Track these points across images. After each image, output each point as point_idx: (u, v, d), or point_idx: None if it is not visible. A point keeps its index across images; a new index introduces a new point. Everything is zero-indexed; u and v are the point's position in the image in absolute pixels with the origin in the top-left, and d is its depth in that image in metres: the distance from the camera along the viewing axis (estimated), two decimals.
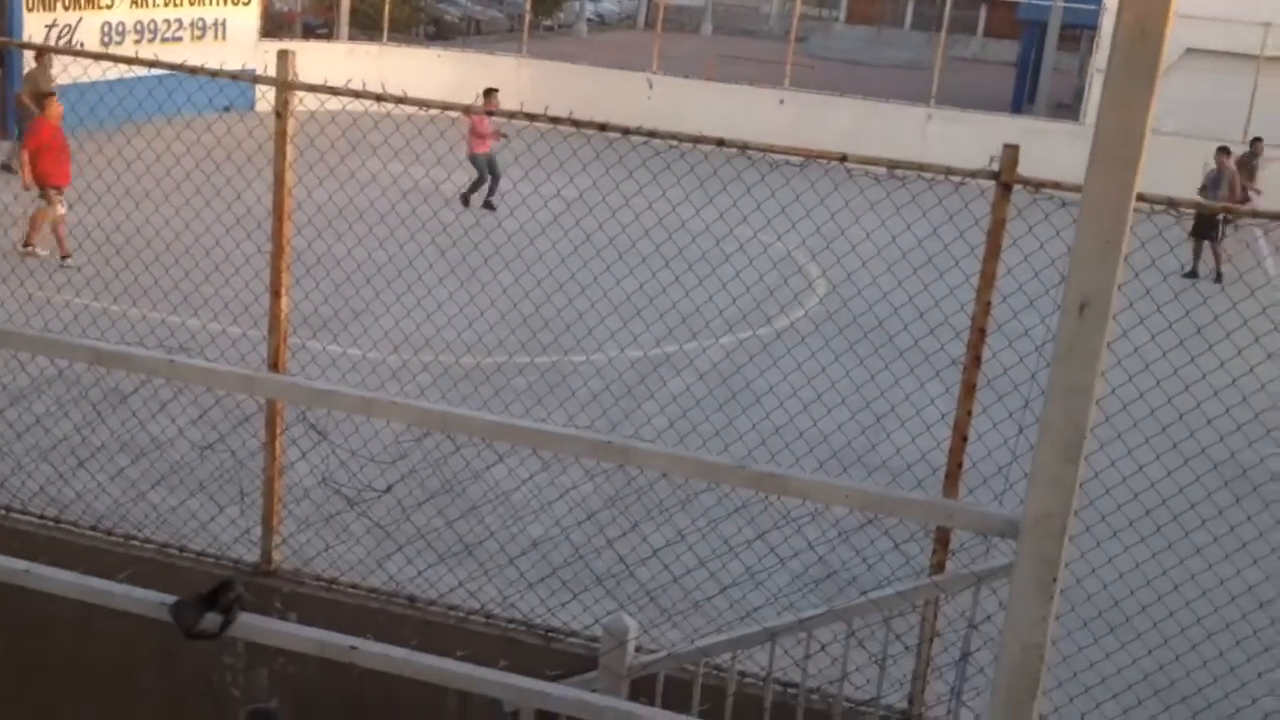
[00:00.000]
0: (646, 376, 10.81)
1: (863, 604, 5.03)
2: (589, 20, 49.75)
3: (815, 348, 9.46)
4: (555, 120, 6.11)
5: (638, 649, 5.43)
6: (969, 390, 5.65)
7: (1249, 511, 7.68)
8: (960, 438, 5.72)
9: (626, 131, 6.15)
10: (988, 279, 5.63)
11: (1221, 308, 9.10)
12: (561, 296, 10.74)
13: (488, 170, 18.32)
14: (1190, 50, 24.58)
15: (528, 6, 29.06)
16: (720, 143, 6.01)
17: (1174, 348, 7.26)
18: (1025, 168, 5.67)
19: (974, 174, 5.71)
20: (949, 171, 5.79)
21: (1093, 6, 27.16)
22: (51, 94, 14.19)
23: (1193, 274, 17.48)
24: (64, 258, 13.27)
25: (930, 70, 25.45)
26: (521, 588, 6.64)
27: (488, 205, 18.07)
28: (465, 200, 18.02)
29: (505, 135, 17.96)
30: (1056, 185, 5.49)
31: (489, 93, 18.45)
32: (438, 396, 9.37)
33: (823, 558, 6.72)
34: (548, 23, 46.40)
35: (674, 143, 5.96)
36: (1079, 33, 34.31)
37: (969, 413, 5.67)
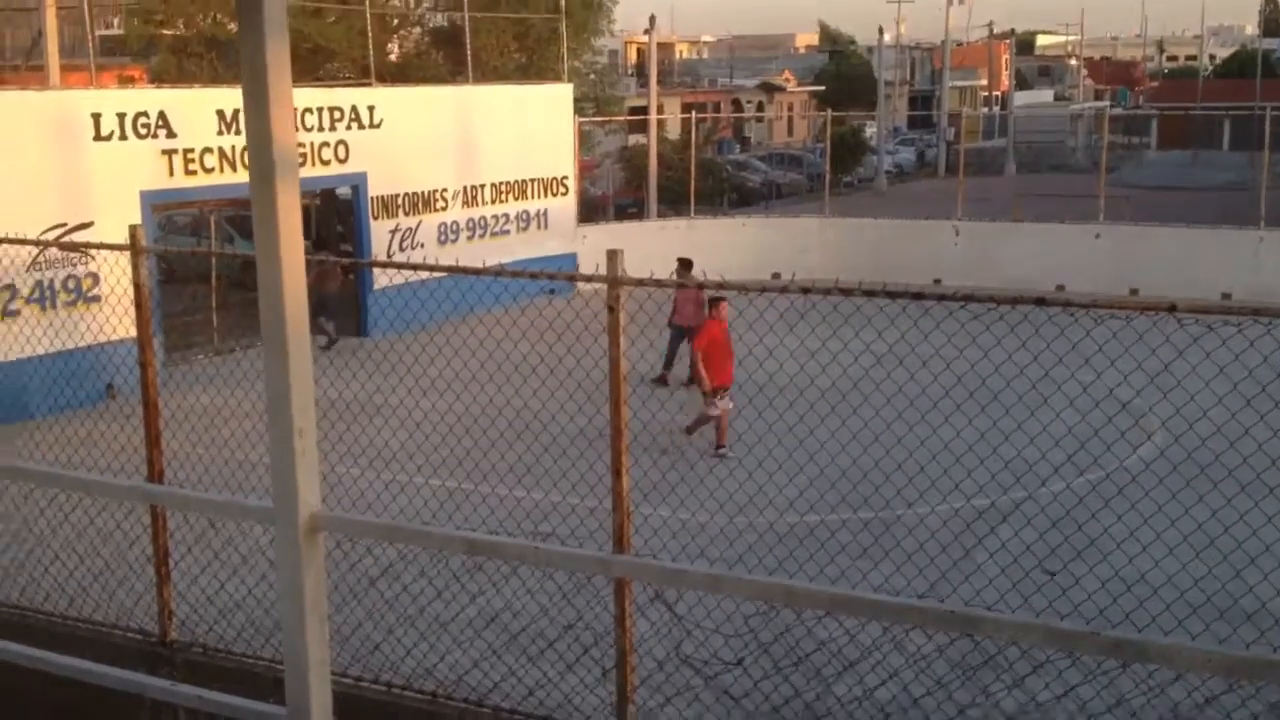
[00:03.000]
0: (971, 522, 10.66)
1: None
2: (888, 172, 50.18)
3: (1161, 500, 9.11)
4: (870, 293, 6.29)
5: None
6: None
7: None
8: None
9: (941, 297, 6.26)
10: None
11: None
12: (878, 449, 10.78)
13: (675, 344, 17.20)
14: None
15: (827, 166, 29.70)
16: (1040, 301, 6.04)
17: None
18: None
19: None
20: None
21: None
22: (722, 299, 13.88)
23: None
24: (719, 448, 13.48)
25: (1256, 190, 24.25)
26: None
27: (661, 380, 16.93)
28: (664, 379, 16.97)
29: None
30: None
31: (684, 264, 17.38)
32: (755, 561, 9.54)
33: None
34: (847, 179, 47.11)
35: (991, 305, 6.03)
36: None
37: None
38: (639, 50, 61.96)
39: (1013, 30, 75.06)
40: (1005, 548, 9.84)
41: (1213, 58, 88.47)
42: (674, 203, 31.41)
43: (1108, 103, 63.73)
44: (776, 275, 23.07)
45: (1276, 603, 7.37)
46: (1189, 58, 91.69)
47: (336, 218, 25.20)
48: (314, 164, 20.06)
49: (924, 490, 10.85)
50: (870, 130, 52.69)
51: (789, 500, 10.99)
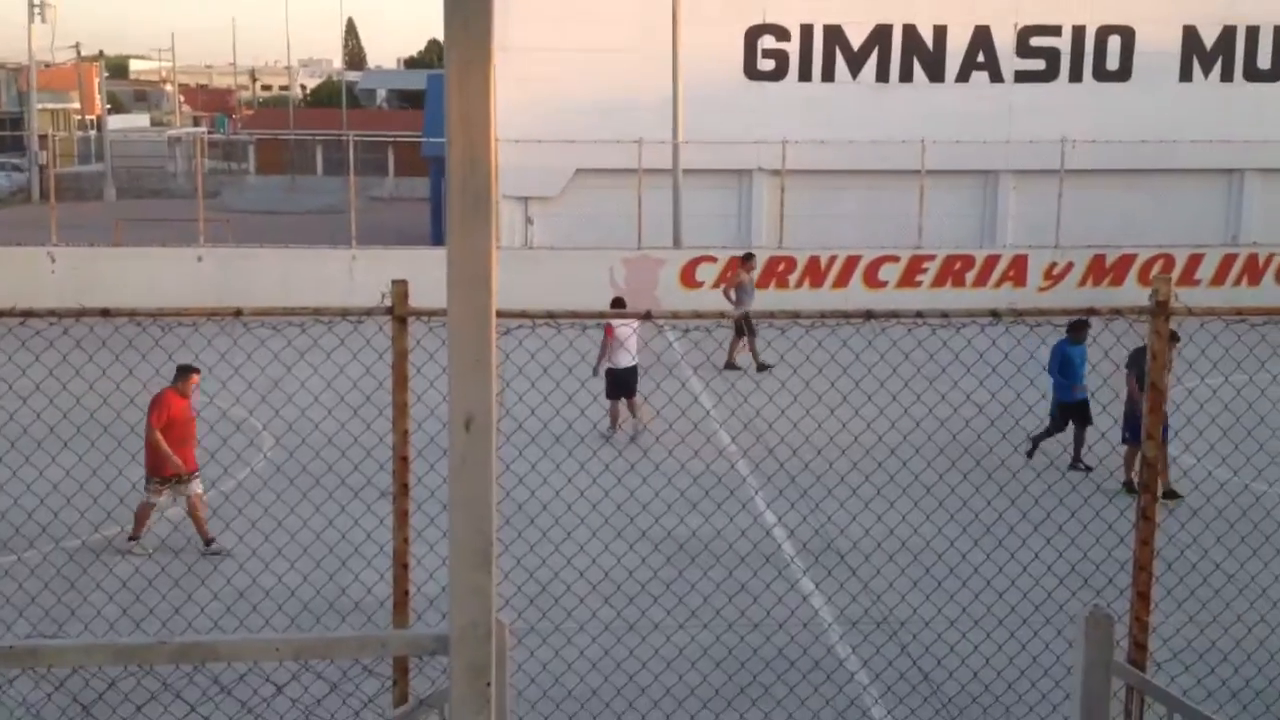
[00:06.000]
0: (90, 565, 10.08)
1: None
2: None
3: (278, 511, 9.25)
4: None
5: None
6: (403, 518, 5.76)
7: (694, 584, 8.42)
8: (401, 565, 5.81)
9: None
10: (400, 408, 5.80)
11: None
12: None
13: None
14: (580, 170, 26.75)
15: None
16: (105, 313, 5.82)
17: None
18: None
19: (369, 311, 5.89)
20: (345, 312, 5.96)
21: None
22: (195, 369, 11.13)
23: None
24: (208, 542, 11.02)
25: (349, 213, 25.93)
26: None
27: None
28: None
29: None
30: (446, 312, 5.80)
31: None
32: None
33: (282, 716, 6.54)
34: None
35: (53, 319, 5.70)
36: None
37: (406, 540, 5.78)
38: None
39: (101, 53, 72.66)
40: (126, 586, 9.40)
41: (304, 88, 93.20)
42: None
43: (205, 129, 64.27)
44: None
45: (343, 600, 7.84)
46: (282, 87, 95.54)
47: None
48: None
49: (35, 537, 10.03)
50: None
51: None
